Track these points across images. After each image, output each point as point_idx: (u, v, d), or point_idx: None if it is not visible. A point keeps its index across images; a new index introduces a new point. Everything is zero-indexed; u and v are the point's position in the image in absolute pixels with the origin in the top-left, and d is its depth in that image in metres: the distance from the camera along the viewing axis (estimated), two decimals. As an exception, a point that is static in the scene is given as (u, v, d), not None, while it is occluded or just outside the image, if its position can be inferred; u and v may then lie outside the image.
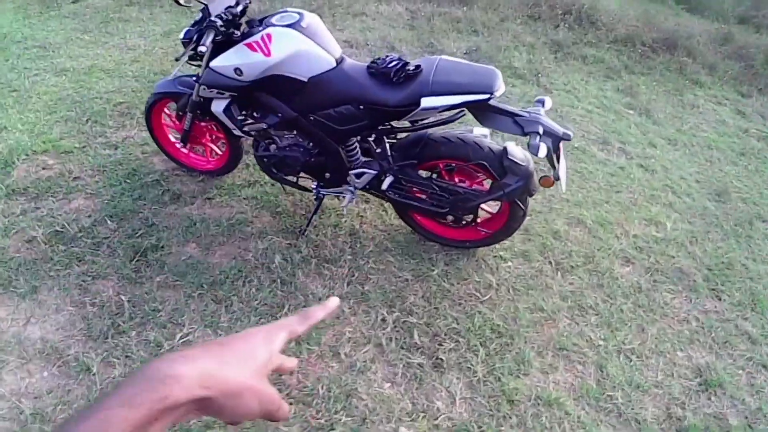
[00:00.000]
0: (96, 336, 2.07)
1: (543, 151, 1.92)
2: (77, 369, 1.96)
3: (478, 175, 2.32)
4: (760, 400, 2.18)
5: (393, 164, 2.29)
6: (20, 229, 2.49)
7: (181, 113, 2.58)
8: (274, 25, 2.10)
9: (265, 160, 2.44)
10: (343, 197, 2.50)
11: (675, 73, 5.02)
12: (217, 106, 2.33)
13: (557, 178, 2.06)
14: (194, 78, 2.43)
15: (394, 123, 2.26)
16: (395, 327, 2.21)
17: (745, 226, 3.14)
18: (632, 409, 2.06)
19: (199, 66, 2.28)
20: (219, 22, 2.03)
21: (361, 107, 2.13)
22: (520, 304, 2.39)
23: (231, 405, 0.47)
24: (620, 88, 4.59)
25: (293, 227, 2.62)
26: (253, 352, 0.52)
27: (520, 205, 2.27)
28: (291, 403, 1.90)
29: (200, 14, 2.20)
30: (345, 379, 2.00)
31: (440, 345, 2.16)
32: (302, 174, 2.50)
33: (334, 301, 0.64)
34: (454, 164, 2.29)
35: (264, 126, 2.31)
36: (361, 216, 2.73)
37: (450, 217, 2.37)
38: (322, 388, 1.96)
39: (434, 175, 2.37)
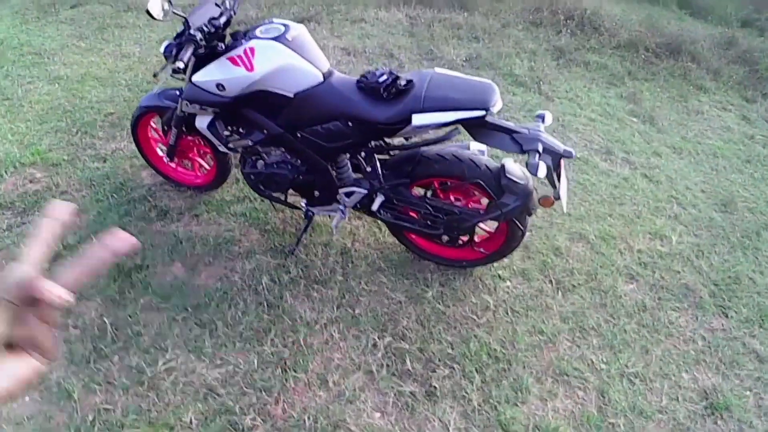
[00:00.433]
0: (78, 360, 1.99)
1: (542, 171, 1.81)
2: (59, 395, 1.89)
3: (475, 193, 2.22)
4: (769, 424, 2.08)
5: (384, 183, 2.19)
6: (5, 246, 2.43)
7: (166, 128, 2.50)
8: (257, 38, 2.02)
9: (252, 177, 2.35)
10: (333, 215, 2.41)
11: (679, 78, 4.91)
12: (201, 122, 2.25)
13: (558, 198, 1.95)
14: (178, 92, 2.35)
15: (388, 140, 2.17)
16: (387, 353, 2.11)
17: (752, 237, 3.03)
18: (635, 438, 1.95)
19: (183, 80, 2.20)
20: (198, 36, 1.94)
21: (350, 124, 2.04)
22: (519, 326, 2.28)
23: None
24: (623, 94, 4.48)
25: (282, 246, 2.53)
26: None
27: (519, 225, 2.17)
28: (276, 436, 1.82)
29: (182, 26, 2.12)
30: (333, 409, 1.91)
31: (434, 372, 2.06)
32: (291, 191, 2.41)
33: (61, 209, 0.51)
34: (449, 182, 2.19)
35: (249, 143, 2.23)
36: (353, 234, 2.64)
37: (445, 238, 2.28)
38: (308, 418, 1.87)
39: (428, 193, 2.28)
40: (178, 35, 2.12)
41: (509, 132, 1.92)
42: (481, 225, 2.33)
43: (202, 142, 2.58)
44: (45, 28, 4.61)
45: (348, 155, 2.23)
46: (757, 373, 2.27)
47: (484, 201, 2.22)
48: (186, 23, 2.03)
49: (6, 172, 2.83)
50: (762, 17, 6.48)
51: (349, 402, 1.93)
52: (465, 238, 2.33)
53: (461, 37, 5.07)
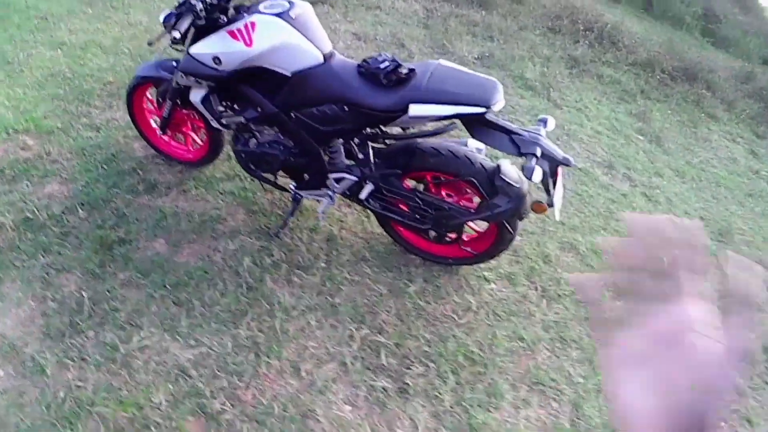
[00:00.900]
0: (54, 335, 1.96)
1: (538, 176, 1.77)
2: (32, 370, 1.85)
3: (467, 191, 2.18)
4: (742, 456, 2.06)
5: (375, 172, 2.16)
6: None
7: (161, 99, 2.46)
8: (260, 13, 1.96)
9: (243, 155, 2.32)
10: (321, 200, 2.37)
11: (692, 104, 4.85)
12: (195, 96, 2.21)
13: (551, 205, 1.91)
14: (175, 63, 2.30)
15: (384, 128, 2.13)
16: (362, 345, 2.08)
17: (746, 272, 3.00)
18: (605, 455, 1.93)
19: (182, 51, 2.15)
20: (199, 6, 1.90)
21: (346, 108, 1.99)
22: (499, 330, 2.26)
23: None
24: (633, 112, 4.43)
25: (268, 228, 2.49)
26: None
27: (509, 227, 2.13)
28: (244, 422, 1.79)
29: None
30: (303, 399, 1.88)
31: (408, 369, 2.03)
32: (282, 172, 2.37)
33: None
34: (442, 177, 2.16)
35: (242, 120, 2.19)
36: (341, 221, 2.60)
37: (432, 233, 2.24)
38: (278, 406, 1.84)
39: (420, 187, 2.24)
40: (180, 4, 2.06)
41: (508, 132, 1.88)
42: (470, 224, 2.29)
43: (195, 116, 2.53)
44: (53, -9, 4.54)
45: (341, 140, 2.19)
46: (734, 405, 2.24)
47: (476, 200, 2.18)
48: None
49: (-2, 138, 2.79)
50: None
51: (320, 393, 1.91)
52: (453, 236, 2.30)
53: (476, 35, 5.00)
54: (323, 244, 2.46)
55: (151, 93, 2.62)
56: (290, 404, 1.86)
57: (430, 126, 2.05)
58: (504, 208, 2.00)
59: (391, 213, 2.23)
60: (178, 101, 2.37)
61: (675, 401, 0.42)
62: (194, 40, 2.07)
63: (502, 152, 1.93)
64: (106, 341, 1.96)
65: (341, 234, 2.53)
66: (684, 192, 3.59)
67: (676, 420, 0.41)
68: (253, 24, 1.93)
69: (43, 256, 2.22)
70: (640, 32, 5.93)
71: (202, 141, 2.70)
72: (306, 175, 2.30)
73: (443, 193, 2.23)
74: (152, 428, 1.74)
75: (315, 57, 2.00)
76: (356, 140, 2.16)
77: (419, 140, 2.10)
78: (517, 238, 2.24)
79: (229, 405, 1.83)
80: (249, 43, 1.93)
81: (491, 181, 2.00)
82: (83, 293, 2.10)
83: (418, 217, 2.18)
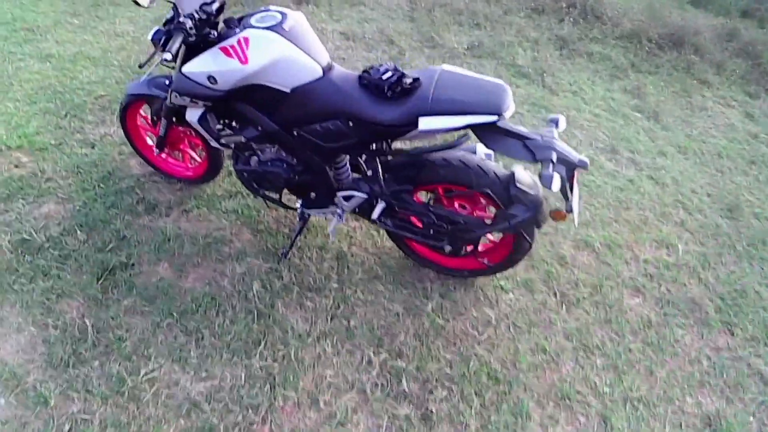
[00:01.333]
0: (56, 363, 1.88)
1: (557, 184, 1.68)
2: (35, 400, 1.78)
3: (481, 200, 2.09)
4: (772, 452, 2.00)
5: (385, 189, 2.06)
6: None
7: (155, 118, 2.35)
8: (252, 27, 1.84)
9: (245, 174, 2.21)
10: (330, 218, 2.27)
11: (682, 72, 4.77)
12: (192, 115, 2.10)
13: (570, 211, 1.82)
14: (168, 80, 2.19)
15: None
16: (382, 371, 2.00)
17: (758, 246, 2.92)
18: (638, 471, 1.87)
19: (173, 68, 2.03)
20: (189, 24, 1.77)
21: (351, 123, 1.88)
22: (521, 344, 2.18)
23: None
24: (627, 88, 4.34)
25: (275, 248, 2.40)
26: None
27: (526, 237, 2.04)
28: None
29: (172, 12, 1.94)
30: (323, 432, 1.81)
31: (431, 393, 1.96)
32: (286, 191, 2.27)
33: None
34: (454, 189, 2.06)
35: (242, 139, 2.08)
36: (350, 236, 2.51)
37: (448, 248, 2.15)
38: (297, 441, 1.77)
39: (431, 199, 2.15)
40: (168, 21, 1.95)
41: (521, 138, 1.78)
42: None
43: (192, 134, 2.43)
44: (39, 3, 4.36)
45: (348, 156, 2.09)
46: (761, 396, 2.18)
47: (491, 209, 2.09)
48: (175, 8, 1.86)
49: (-9, 156, 2.69)
50: (762, 8, 6.33)
51: (341, 425, 1.83)
52: (469, 248, 2.21)
53: (462, 24, 4.88)
54: (334, 263, 2.37)
55: (144, 110, 2.51)
56: (310, 438, 1.79)
57: (439, 138, 1.94)
58: (521, 218, 1.91)
59: (405, 231, 2.14)
60: (173, 119, 2.26)
61: None
62: (186, 58, 1.95)
63: (516, 160, 1.83)
64: (112, 372, 1.88)
65: (351, 251, 2.44)
66: (688, 169, 3.50)
67: None
68: (246, 40, 1.81)
69: (42, 280, 2.14)
70: (620, 2, 5.82)
71: (200, 158, 2.60)
72: (312, 194, 2.20)
73: (456, 204, 2.14)
74: (168, 472, 1.66)
75: (313, 70, 1.88)
76: (364, 156, 2.06)
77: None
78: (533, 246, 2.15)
79: (246, 442, 1.75)
80: (244, 61, 1.81)
81: (506, 190, 1.91)
82: (86, 320, 2.02)
83: (432, 233, 2.09)
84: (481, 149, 1.98)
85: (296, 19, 1.90)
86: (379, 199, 2.07)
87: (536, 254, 2.56)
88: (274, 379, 1.91)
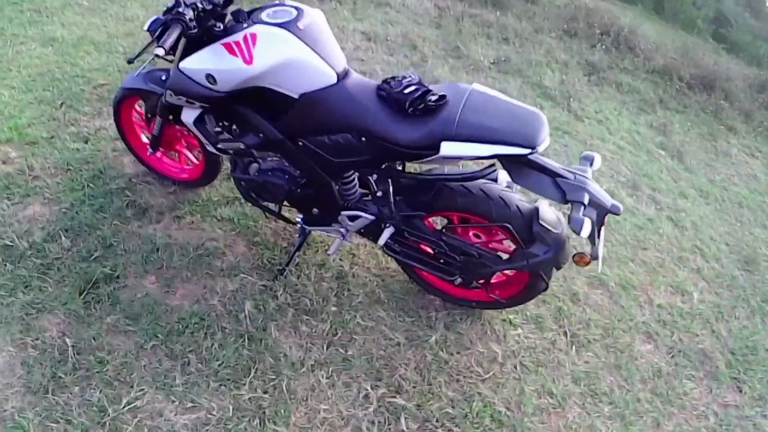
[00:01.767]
0: (36, 389, 1.70)
1: (587, 230, 1.52)
2: (13, 430, 1.61)
3: (498, 232, 1.95)
4: None
5: (395, 213, 1.91)
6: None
7: (150, 116, 2.19)
8: (262, 23, 1.65)
9: (243, 183, 2.06)
10: (332, 237, 2.12)
11: (710, 115, 4.75)
12: (188, 116, 1.93)
13: (595, 258, 1.68)
14: (165, 75, 2.02)
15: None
16: (380, 407, 1.85)
17: (772, 303, 2.85)
18: None
19: (171, 62, 1.83)
20: (189, 15, 1.57)
21: (363, 139, 1.71)
22: (528, 385, 2.05)
23: None
24: (654, 124, 4.26)
25: (271, 264, 2.24)
26: None
27: (544, 277, 1.91)
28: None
29: None
30: (314, 473, 1.67)
31: (430, 435, 1.82)
32: (287, 203, 2.12)
33: None
34: (471, 220, 1.92)
35: (242, 146, 1.91)
36: (353, 254, 2.37)
37: (458, 280, 2.00)
38: (284, 483, 1.63)
39: (444, 224, 2.00)
40: (168, 10, 1.70)
41: (553, 175, 1.63)
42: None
43: (190, 133, 2.26)
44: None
45: (357, 173, 1.94)
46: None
47: (507, 242, 1.96)
48: None
49: (-20, 149, 2.52)
50: (794, 62, 6.37)
51: (333, 467, 1.69)
52: (481, 281, 2.07)
53: (491, 37, 4.77)
54: (333, 283, 2.22)
55: (140, 105, 2.35)
56: (299, 480, 1.64)
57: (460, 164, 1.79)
58: (542, 258, 1.78)
59: (413, 261, 1.99)
60: (170, 117, 2.08)
61: None
62: (185, 52, 1.76)
63: (544, 197, 1.69)
64: (92, 400, 1.71)
65: (353, 271, 2.30)
66: (708, 215, 3.43)
67: None
68: (253, 36, 1.62)
69: (23, 293, 1.96)
70: (654, 36, 5.78)
71: (197, 160, 2.45)
72: (315, 209, 2.04)
73: (470, 232, 2.00)
74: None
75: (327, 76, 1.70)
76: (375, 175, 1.91)
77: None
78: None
79: (230, 482, 1.61)
80: (249, 60, 1.62)
81: (529, 226, 1.77)
82: (66, 339, 1.85)
83: (443, 263, 1.94)
84: (503, 176, 1.83)
85: (313, 17, 1.72)
86: (388, 224, 1.93)
87: (548, 289, 2.43)
88: (264, 412, 1.75)
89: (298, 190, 1.97)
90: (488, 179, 1.83)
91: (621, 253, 2.80)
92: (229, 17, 1.75)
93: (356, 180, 1.96)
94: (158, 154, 2.44)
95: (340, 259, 2.32)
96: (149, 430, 1.67)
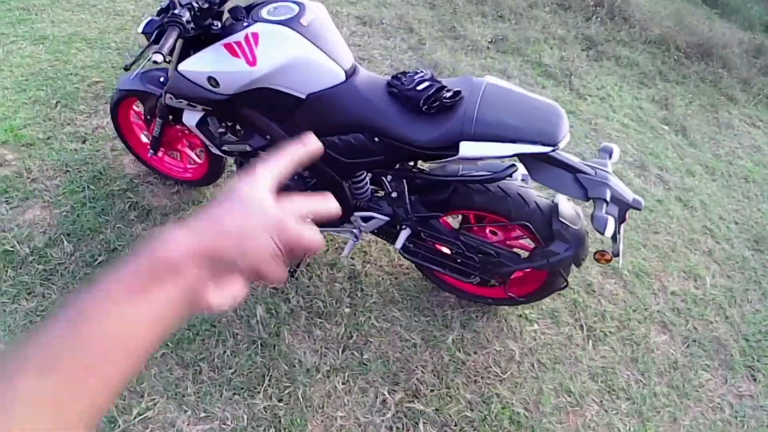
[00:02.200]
0: (45, 401, 1.67)
1: (610, 229, 1.47)
2: None
3: (516, 228, 1.89)
4: None
5: (411, 214, 1.85)
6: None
7: (149, 117, 2.11)
8: (263, 21, 1.57)
9: None
10: (342, 236, 2.06)
11: (709, 85, 4.67)
12: (190, 119, 1.86)
13: (617, 255, 1.63)
14: (163, 76, 1.94)
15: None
16: (398, 413, 1.82)
17: (783, 283, 2.81)
18: None
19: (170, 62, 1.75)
20: (186, 17, 1.49)
21: (376, 139, 1.64)
22: (545, 384, 2.01)
23: (237, 249, 0.44)
24: (655, 98, 4.18)
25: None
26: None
27: (564, 275, 1.86)
28: None
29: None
30: (333, 482, 1.63)
31: (450, 440, 1.79)
32: None
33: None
34: (489, 218, 1.86)
35: (248, 148, 1.84)
36: (365, 252, 2.31)
37: (476, 280, 1.95)
38: (304, 493, 1.60)
39: (460, 221, 1.94)
40: (162, 10, 1.63)
41: (573, 171, 1.57)
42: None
43: (191, 133, 2.19)
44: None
45: (369, 173, 1.87)
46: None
47: (525, 239, 1.91)
48: None
49: (-25, 152, 2.44)
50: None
51: (353, 476, 1.66)
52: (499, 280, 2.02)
53: (486, 14, 4.66)
54: (346, 284, 2.17)
55: (138, 105, 2.27)
56: (318, 490, 1.61)
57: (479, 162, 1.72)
58: (562, 256, 1.73)
59: (431, 264, 1.94)
60: (170, 117, 2.00)
61: None
62: (184, 53, 1.69)
63: (565, 195, 1.63)
64: (102, 411, 1.67)
65: (366, 270, 2.24)
66: (716, 192, 3.38)
67: None
68: (255, 36, 1.54)
69: (26, 299, 1.92)
70: (647, 5, 5.67)
71: (200, 159, 2.38)
72: None
73: (487, 229, 1.94)
74: None
75: (334, 74, 1.62)
76: (389, 176, 1.85)
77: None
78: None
79: (248, 494, 1.57)
80: (252, 62, 1.55)
81: (548, 224, 1.71)
82: (75, 348, 1.80)
83: (461, 263, 1.89)
84: (519, 171, 1.77)
85: (316, 11, 1.63)
86: (404, 225, 1.87)
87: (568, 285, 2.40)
88: (280, 421, 1.72)
89: (308, 191, 1.91)
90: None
91: (633, 238, 2.76)
92: (226, 15, 1.66)
93: (367, 178, 1.90)
94: (159, 154, 2.37)
95: (352, 258, 2.27)
96: (162, 442, 1.64)
